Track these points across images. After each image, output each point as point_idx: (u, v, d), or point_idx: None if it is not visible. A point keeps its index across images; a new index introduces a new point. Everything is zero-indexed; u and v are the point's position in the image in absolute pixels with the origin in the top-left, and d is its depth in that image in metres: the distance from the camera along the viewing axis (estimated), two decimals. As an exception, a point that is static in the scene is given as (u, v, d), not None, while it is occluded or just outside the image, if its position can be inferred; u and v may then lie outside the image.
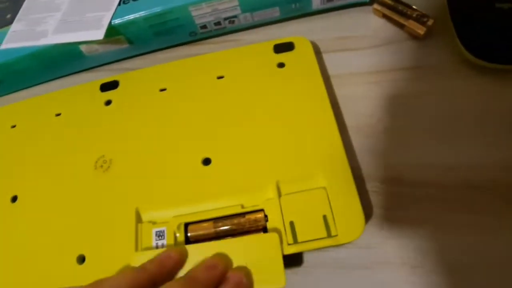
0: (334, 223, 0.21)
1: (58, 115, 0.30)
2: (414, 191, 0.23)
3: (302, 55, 0.28)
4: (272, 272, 0.20)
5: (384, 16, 0.30)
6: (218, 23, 0.31)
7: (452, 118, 0.25)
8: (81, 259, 0.24)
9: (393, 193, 0.24)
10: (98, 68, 0.34)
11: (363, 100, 0.27)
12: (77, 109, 0.30)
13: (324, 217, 0.22)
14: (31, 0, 0.35)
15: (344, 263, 0.22)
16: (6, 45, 0.32)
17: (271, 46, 0.28)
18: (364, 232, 0.21)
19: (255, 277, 0.19)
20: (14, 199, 0.27)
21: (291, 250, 0.21)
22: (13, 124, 0.31)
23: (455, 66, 0.27)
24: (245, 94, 0.27)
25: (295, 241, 0.21)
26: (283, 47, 0.28)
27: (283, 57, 0.28)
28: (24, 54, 0.31)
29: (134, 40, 0.31)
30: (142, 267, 0.19)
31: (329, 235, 0.21)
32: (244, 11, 0.30)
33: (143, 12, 0.29)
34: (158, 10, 0.29)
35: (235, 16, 0.30)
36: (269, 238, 0.21)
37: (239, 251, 0.20)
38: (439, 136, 0.25)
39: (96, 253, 0.24)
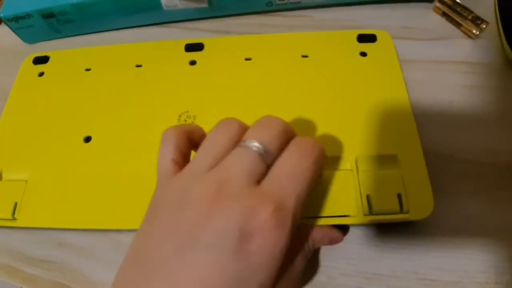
0: (407, 202, 0.23)
1: (138, 66, 0.31)
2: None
3: (384, 48, 0.30)
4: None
5: (444, 14, 0.33)
6: (297, -3, 0.33)
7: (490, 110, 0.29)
8: None
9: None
10: (169, 25, 0.35)
11: (422, 84, 0.30)
12: (159, 64, 0.31)
13: (399, 195, 0.23)
14: None
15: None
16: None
17: (355, 35, 0.30)
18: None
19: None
20: (87, 139, 0.28)
21: (366, 220, 0.23)
22: (88, 67, 0.31)
23: (500, 66, 0.31)
24: (328, 74, 0.29)
25: (371, 212, 0.23)
26: (366, 38, 0.30)
27: (365, 47, 0.30)
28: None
29: (216, 1, 0.33)
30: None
31: (401, 212, 0.23)
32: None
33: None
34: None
35: (314, -8, 0.32)
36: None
37: None
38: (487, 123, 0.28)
39: None
